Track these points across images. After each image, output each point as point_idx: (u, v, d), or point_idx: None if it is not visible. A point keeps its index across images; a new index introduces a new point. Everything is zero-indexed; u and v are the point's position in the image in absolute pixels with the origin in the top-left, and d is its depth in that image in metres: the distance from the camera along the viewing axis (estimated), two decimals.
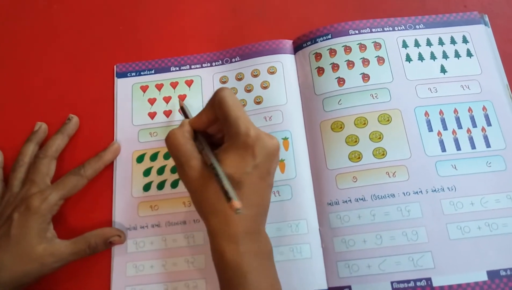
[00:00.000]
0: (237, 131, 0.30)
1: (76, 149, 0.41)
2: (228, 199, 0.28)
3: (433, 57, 0.41)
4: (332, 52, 0.41)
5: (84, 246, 0.36)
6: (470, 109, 0.39)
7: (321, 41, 0.42)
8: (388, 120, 0.39)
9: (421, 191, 0.36)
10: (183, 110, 0.40)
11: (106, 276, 0.37)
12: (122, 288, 0.36)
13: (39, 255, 0.34)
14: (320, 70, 0.41)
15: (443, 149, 0.38)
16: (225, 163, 0.30)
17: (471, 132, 0.38)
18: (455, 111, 0.39)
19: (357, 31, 0.42)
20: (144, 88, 0.43)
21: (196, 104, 0.42)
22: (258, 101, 0.41)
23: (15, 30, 0.47)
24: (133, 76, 0.43)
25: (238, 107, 0.31)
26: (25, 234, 0.34)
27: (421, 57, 0.41)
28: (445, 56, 0.41)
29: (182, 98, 0.42)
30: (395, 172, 0.37)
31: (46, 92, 0.44)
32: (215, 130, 0.34)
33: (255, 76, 0.42)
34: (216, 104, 0.31)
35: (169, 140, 0.32)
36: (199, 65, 0.43)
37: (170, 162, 0.40)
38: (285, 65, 0.42)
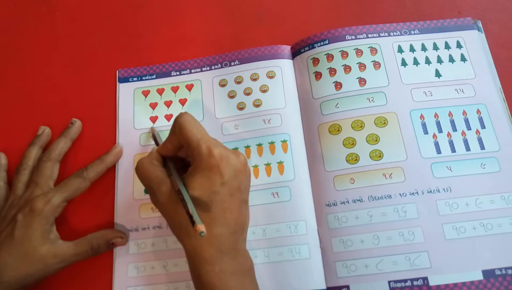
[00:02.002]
0: (200, 153, 0.30)
1: (79, 153, 0.42)
2: (193, 223, 0.28)
3: (428, 61, 0.42)
4: (329, 57, 0.42)
5: (86, 247, 0.36)
6: (464, 112, 0.40)
7: (318, 46, 0.43)
8: (385, 123, 0.39)
9: (417, 192, 0.37)
10: (154, 138, 0.40)
11: (108, 277, 0.38)
12: (124, 289, 0.37)
13: (42, 256, 0.35)
14: (318, 75, 0.42)
15: (438, 151, 0.38)
16: (192, 186, 0.30)
17: (465, 135, 0.39)
18: (450, 114, 0.40)
19: (353, 37, 0.43)
20: (145, 93, 0.44)
21: (197, 108, 0.42)
22: (257, 104, 0.42)
23: (19, 35, 0.48)
24: (135, 81, 0.44)
25: (198, 130, 0.31)
26: (28, 236, 0.35)
27: (416, 62, 0.42)
28: (439, 60, 0.42)
29: (182, 102, 0.43)
30: (391, 173, 0.38)
31: (50, 97, 0.45)
32: (184, 154, 0.34)
33: (254, 79, 0.43)
34: (177, 131, 0.32)
35: (138, 169, 0.33)
36: (199, 69, 0.44)
37: None
38: (283, 69, 0.43)
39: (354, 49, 0.42)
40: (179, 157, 0.34)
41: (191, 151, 0.31)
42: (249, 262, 0.33)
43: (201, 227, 0.27)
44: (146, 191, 0.40)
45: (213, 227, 0.30)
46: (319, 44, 0.43)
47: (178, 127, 0.32)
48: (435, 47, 0.43)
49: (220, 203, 0.30)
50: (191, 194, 0.30)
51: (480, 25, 0.44)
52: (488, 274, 0.34)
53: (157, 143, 0.39)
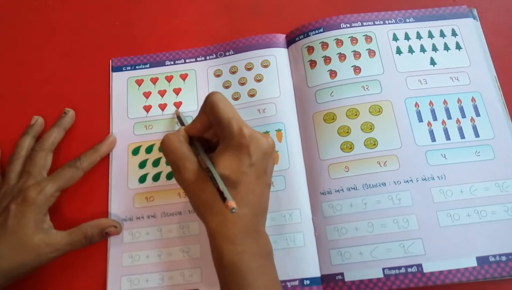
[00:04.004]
0: (231, 132, 0.30)
1: (72, 142, 0.42)
2: (223, 199, 0.28)
3: (423, 49, 0.42)
4: (324, 45, 0.42)
5: (80, 236, 0.36)
6: (459, 100, 0.40)
7: (313, 34, 0.43)
8: (379, 111, 0.39)
9: (411, 180, 0.37)
10: (179, 119, 0.40)
11: (102, 266, 0.37)
12: (118, 278, 0.37)
13: (35, 245, 0.34)
14: (313, 63, 0.42)
15: (433, 139, 0.38)
16: (221, 164, 0.30)
17: (460, 123, 0.39)
18: (445, 102, 0.40)
19: (348, 25, 0.43)
20: (139, 82, 0.43)
21: (191, 98, 0.42)
22: (251, 94, 0.41)
23: (11, 25, 0.48)
24: (129, 70, 0.44)
25: (230, 109, 0.31)
26: (21, 225, 0.34)
27: (411, 50, 0.42)
28: (434, 48, 0.42)
29: (176, 92, 0.43)
30: (386, 161, 0.38)
31: (43, 87, 0.44)
32: (211, 135, 0.34)
33: (249, 69, 0.42)
34: (208, 109, 0.32)
35: (165, 144, 0.32)
36: (194, 59, 0.44)
37: None
38: (278, 58, 0.43)
39: (349, 37, 0.42)
40: (205, 139, 0.34)
41: (222, 129, 0.31)
42: (270, 246, 0.32)
43: (232, 203, 0.27)
44: (140, 181, 0.40)
45: (238, 207, 0.30)
46: (314, 32, 0.43)
47: (210, 105, 0.31)
48: (430, 35, 0.42)
49: (247, 184, 0.30)
50: (220, 172, 0.30)
51: (475, 13, 0.44)
52: (482, 260, 0.34)
53: (181, 124, 0.39)
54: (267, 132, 0.40)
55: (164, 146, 0.32)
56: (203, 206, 0.31)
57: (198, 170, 0.31)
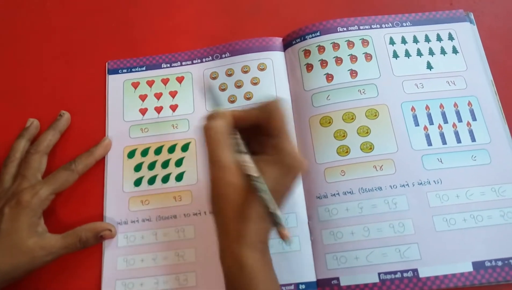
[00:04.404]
0: (285, 148, 0.29)
1: (68, 145, 0.42)
2: (276, 224, 0.27)
3: (419, 53, 0.42)
4: (321, 49, 0.42)
5: (74, 240, 0.36)
6: (455, 104, 0.40)
7: (310, 38, 0.42)
8: (376, 115, 0.39)
9: (407, 184, 0.37)
10: (212, 96, 0.35)
11: (97, 270, 0.37)
12: (113, 281, 0.37)
13: (29, 248, 0.34)
14: (309, 67, 0.42)
15: (429, 143, 0.38)
16: (266, 176, 0.29)
17: (456, 127, 0.39)
18: (441, 106, 0.40)
19: (345, 28, 0.43)
20: (135, 85, 0.43)
21: (187, 101, 0.42)
22: (248, 97, 0.41)
23: (8, 26, 0.48)
24: (125, 72, 0.44)
25: (287, 124, 0.30)
26: (15, 228, 0.34)
27: (407, 54, 0.42)
28: (431, 52, 0.42)
29: (172, 94, 0.43)
30: (382, 165, 0.38)
31: (38, 89, 0.44)
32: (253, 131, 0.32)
33: (245, 72, 0.42)
34: (267, 113, 0.30)
35: (209, 132, 0.30)
36: (190, 62, 0.44)
37: (161, 158, 0.40)
38: (275, 61, 0.43)
39: (346, 41, 0.42)
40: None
41: (277, 140, 0.30)
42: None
43: (288, 232, 0.27)
44: (135, 184, 0.39)
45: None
46: (310, 36, 0.43)
47: (273, 110, 0.30)
48: (427, 39, 0.42)
49: (277, 200, 0.29)
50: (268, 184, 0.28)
51: (472, 17, 0.44)
52: (478, 265, 0.34)
53: (216, 104, 0.34)
54: None
55: (208, 134, 0.30)
56: (232, 209, 0.29)
57: (239, 175, 0.29)
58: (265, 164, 0.29)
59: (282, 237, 0.27)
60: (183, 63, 0.44)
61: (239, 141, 0.30)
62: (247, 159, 0.29)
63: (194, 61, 0.44)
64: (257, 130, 0.31)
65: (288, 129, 0.30)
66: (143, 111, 0.42)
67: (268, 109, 0.31)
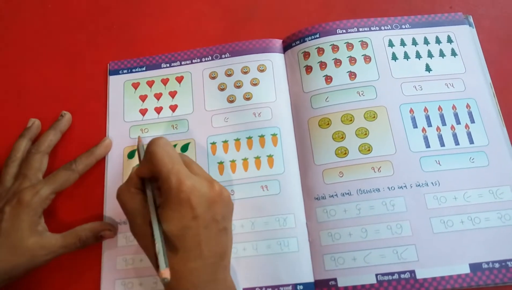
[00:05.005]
0: (169, 186, 0.29)
1: (69, 145, 0.42)
2: (156, 266, 0.28)
3: (418, 56, 0.42)
4: (320, 51, 0.42)
5: (74, 239, 0.36)
6: (454, 107, 0.40)
7: (309, 40, 0.43)
8: (374, 117, 0.39)
9: (405, 186, 0.37)
10: (138, 152, 0.35)
11: (97, 269, 0.37)
12: (112, 281, 0.37)
13: (29, 247, 0.34)
14: (308, 69, 0.42)
15: (427, 145, 0.38)
16: (164, 219, 0.29)
17: (455, 129, 0.39)
18: (440, 108, 0.40)
19: (344, 31, 0.43)
20: (135, 85, 0.44)
21: (187, 100, 0.42)
22: (247, 97, 0.42)
23: (9, 27, 0.48)
24: (125, 73, 0.44)
25: (170, 159, 0.30)
26: (16, 227, 0.34)
27: (406, 56, 0.42)
28: (430, 55, 0.42)
29: (172, 94, 0.43)
30: (380, 167, 0.38)
31: (40, 89, 0.45)
32: None
33: (245, 72, 0.43)
34: (148, 160, 0.30)
35: (117, 197, 0.32)
36: (189, 61, 0.44)
37: None
38: (274, 63, 0.43)
39: (345, 43, 0.42)
40: None
41: (161, 183, 0.30)
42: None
43: (164, 272, 0.27)
44: None
45: (188, 261, 0.29)
46: (310, 38, 0.43)
47: (149, 155, 0.30)
48: (426, 42, 0.43)
49: (194, 237, 0.29)
50: (164, 228, 0.29)
51: (471, 20, 0.44)
52: (475, 267, 0.34)
53: (140, 158, 0.35)
54: (262, 136, 0.40)
55: (117, 199, 0.32)
56: (153, 261, 0.30)
57: (146, 224, 0.30)
58: (161, 208, 0.30)
59: (159, 276, 0.28)
60: (183, 62, 0.44)
61: (149, 195, 0.31)
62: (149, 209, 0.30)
63: (193, 61, 0.44)
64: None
65: (167, 166, 0.29)
66: (143, 112, 0.42)
67: (146, 158, 0.31)
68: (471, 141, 0.38)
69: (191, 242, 0.29)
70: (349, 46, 0.42)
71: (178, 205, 0.29)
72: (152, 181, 0.32)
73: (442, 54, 0.42)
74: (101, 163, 0.41)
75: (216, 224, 0.30)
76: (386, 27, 0.43)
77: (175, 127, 0.41)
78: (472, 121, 0.39)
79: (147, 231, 0.30)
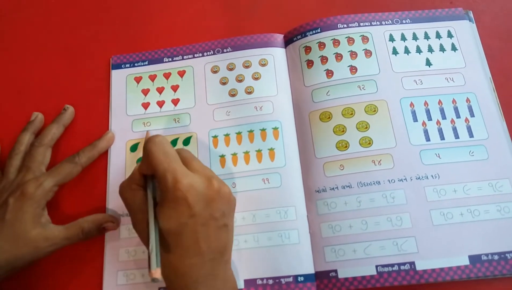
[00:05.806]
0: (166, 185, 0.29)
1: (71, 139, 0.42)
2: (149, 265, 0.28)
3: (418, 50, 0.42)
4: (321, 45, 0.42)
5: (77, 231, 0.36)
6: (454, 101, 0.40)
7: (310, 34, 0.43)
8: (375, 111, 0.40)
9: (405, 179, 0.37)
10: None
11: (99, 261, 0.38)
12: (115, 272, 0.37)
13: (33, 239, 0.35)
14: (310, 63, 0.42)
15: (428, 139, 0.39)
16: (161, 217, 0.30)
17: (454, 123, 0.39)
18: (440, 102, 0.40)
19: (345, 25, 0.43)
20: (137, 79, 0.44)
21: (188, 94, 0.43)
22: (249, 91, 0.42)
23: (13, 22, 0.48)
24: (128, 67, 0.44)
25: (166, 158, 0.30)
26: (19, 219, 0.35)
27: (407, 51, 0.42)
28: (430, 49, 0.42)
29: (174, 88, 0.43)
30: (380, 160, 0.38)
31: (43, 83, 0.45)
32: None
33: (247, 67, 0.43)
34: (145, 159, 0.31)
35: (119, 193, 0.33)
36: (191, 55, 0.44)
37: None
38: (276, 58, 0.43)
39: (346, 37, 0.43)
40: None
41: (158, 181, 0.30)
42: (230, 284, 0.32)
43: (155, 272, 0.27)
44: None
45: (185, 258, 0.30)
46: (311, 32, 0.43)
47: (146, 154, 0.31)
48: (426, 36, 0.43)
49: (191, 234, 0.29)
50: (161, 226, 0.29)
51: (472, 15, 0.44)
52: (474, 259, 0.35)
53: None
54: (263, 130, 0.40)
55: (119, 195, 0.33)
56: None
57: (146, 221, 0.31)
58: (159, 207, 0.30)
59: (150, 276, 0.28)
60: (185, 57, 0.44)
61: (149, 193, 0.32)
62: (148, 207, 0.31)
63: (195, 55, 0.44)
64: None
65: (163, 165, 0.29)
66: (146, 106, 0.43)
67: (143, 156, 0.31)
68: (471, 135, 0.39)
69: (189, 239, 0.30)
70: (350, 40, 0.42)
71: (175, 203, 0.29)
72: (153, 177, 0.32)
73: (442, 49, 0.42)
74: (103, 156, 0.41)
75: (215, 221, 0.31)
76: (387, 22, 0.43)
77: (177, 121, 0.42)
78: (472, 115, 0.39)
79: (147, 228, 0.30)
